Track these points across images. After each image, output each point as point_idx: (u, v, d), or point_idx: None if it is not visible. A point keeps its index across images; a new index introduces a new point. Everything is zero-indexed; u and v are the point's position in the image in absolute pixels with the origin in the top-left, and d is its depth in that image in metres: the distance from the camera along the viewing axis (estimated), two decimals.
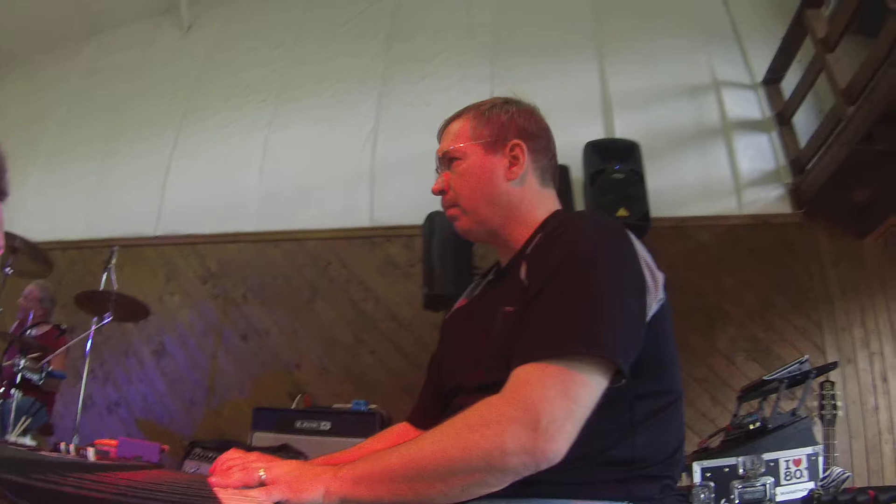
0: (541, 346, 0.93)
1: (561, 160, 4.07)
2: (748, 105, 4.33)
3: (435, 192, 1.30)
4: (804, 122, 4.16)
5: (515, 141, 1.25)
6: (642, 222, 3.67)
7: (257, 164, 4.96)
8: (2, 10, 6.05)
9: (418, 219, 3.81)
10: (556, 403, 0.88)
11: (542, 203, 1.27)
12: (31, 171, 5.93)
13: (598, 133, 4.21)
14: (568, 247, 1.04)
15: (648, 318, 1.02)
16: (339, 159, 4.75)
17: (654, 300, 1.04)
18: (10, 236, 3.56)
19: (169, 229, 4.96)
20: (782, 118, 4.22)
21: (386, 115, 4.84)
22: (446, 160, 1.29)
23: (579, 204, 3.83)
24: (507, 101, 1.31)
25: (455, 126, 1.30)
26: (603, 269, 1.00)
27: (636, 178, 3.72)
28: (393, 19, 5.30)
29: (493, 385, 0.95)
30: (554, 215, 1.24)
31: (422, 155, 4.29)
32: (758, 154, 4.17)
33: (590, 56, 4.65)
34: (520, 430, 0.86)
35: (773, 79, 4.35)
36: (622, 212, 3.65)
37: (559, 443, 0.87)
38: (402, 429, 1.35)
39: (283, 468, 0.96)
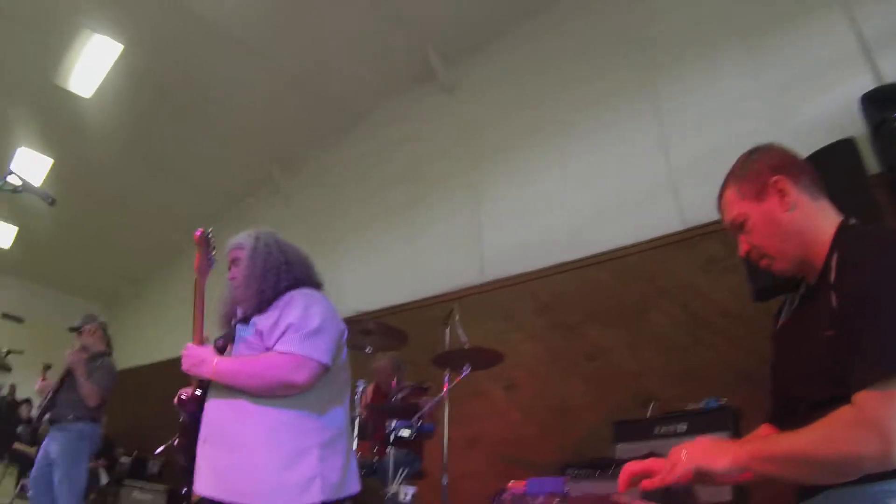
0: (871, 374, 1.14)
1: (838, 121, 4.01)
2: None
3: (742, 256, 1.52)
4: None
5: (774, 178, 1.44)
6: None
7: (558, 199, 5.22)
8: (276, 121, 7.36)
9: None
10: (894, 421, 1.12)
11: (822, 216, 1.42)
12: (342, 253, 6.80)
13: (867, 84, 3.77)
14: (869, 276, 1.22)
15: None
16: (635, 173, 4.82)
17: None
18: (363, 321, 4.06)
19: (495, 274, 5.39)
20: None
21: (668, 119, 4.81)
22: (736, 226, 1.50)
23: (870, 160, 3.51)
24: (751, 153, 1.53)
25: (726, 196, 1.52)
26: None
27: None
28: (645, 27, 5.21)
29: (831, 400, 1.20)
30: (841, 232, 1.38)
31: (715, 146, 4.26)
32: None
33: (833, 4, 4.16)
34: (872, 445, 1.12)
35: None
36: None
37: None
38: (767, 429, 1.57)
39: (698, 444, 1.30)
